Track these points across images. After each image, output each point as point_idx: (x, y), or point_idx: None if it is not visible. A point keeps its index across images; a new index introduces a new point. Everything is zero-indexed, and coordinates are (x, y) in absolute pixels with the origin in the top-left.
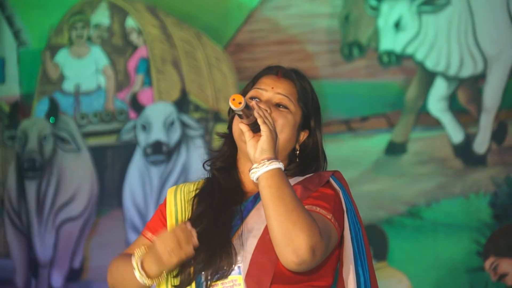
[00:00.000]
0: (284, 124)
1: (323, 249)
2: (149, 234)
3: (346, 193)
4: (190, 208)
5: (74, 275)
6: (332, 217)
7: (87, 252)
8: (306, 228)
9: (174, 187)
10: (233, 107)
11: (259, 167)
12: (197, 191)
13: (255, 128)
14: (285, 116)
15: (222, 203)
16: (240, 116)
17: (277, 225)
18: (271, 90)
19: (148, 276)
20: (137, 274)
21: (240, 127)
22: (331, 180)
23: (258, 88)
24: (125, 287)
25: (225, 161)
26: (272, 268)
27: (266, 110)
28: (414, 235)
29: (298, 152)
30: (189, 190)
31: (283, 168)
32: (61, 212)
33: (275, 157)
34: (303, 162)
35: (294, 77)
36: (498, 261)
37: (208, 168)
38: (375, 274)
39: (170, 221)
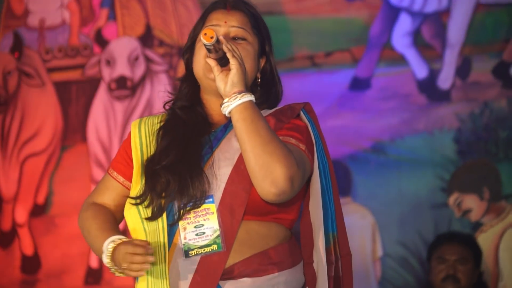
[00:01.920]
0: (245, 56)
1: (300, 179)
2: (114, 173)
3: (315, 126)
4: (155, 140)
5: (38, 210)
6: (305, 148)
7: (52, 187)
8: (283, 158)
9: (138, 120)
10: (205, 41)
11: (231, 100)
12: (162, 123)
13: (222, 63)
14: (244, 48)
15: (189, 134)
16: (209, 50)
17: (253, 157)
18: (225, 25)
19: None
20: (105, 261)
21: (208, 62)
22: (301, 113)
23: (210, 25)
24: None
25: (188, 100)
26: (246, 197)
27: (234, 45)
28: (378, 170)
29: (259, 80)
30: (153, 122)
31: (254, 101)
32: (25, 147)
33: (246, 90)
34: (265, 88)
35: (243, 6)
36: (462, 197)
37: (168, 108)
38: (341, 208)
39: (136, 154)
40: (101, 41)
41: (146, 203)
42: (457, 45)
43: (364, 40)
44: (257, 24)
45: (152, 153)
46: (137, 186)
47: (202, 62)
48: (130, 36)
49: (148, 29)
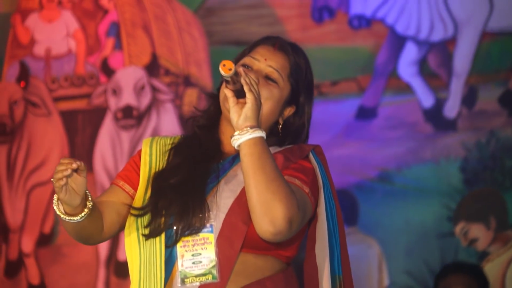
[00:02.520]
0: (268, 97)
1: (299, 221)
2: (121, 182)
3: (323, 168)
4: (166, 159)
5: (44, 239)
6: (309, 191)
7: (58, 217)
8: (285, 199)
9: (150, 138)
10: (223, 73)
11: (242, 134)
12: (174, 144)
13: (239, 94)
14: (270, 89)
15: (199, 158)
16: (227, 81)
17: (256, 193)
18: (264, 62)
19: (65, 212)
20: (56, 209)
21: (225, 92)
22: (310, 154)
23: (252, 57)
24: (78, 235)
25: (209, 119)
26: (244, 230)
27: (253, 79)
28: (385, 200)
29: (280, 126)
30: (165, 143)
31: (265, 137)
32: (31, 177)
33: (258, 125)
34: (285, 137)
35: (290, 51)
36: (468, 226)
37: (190, 125)
38: (347, 251)
39: (144, 170)
40: (107, 70)
41: (145, 221)
42: (463, 74)
43: (370, 69)
44: (297, 74)
45: (160, 170)
46: (139, 202)
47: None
48: (136, 65)
49: (154, 58)
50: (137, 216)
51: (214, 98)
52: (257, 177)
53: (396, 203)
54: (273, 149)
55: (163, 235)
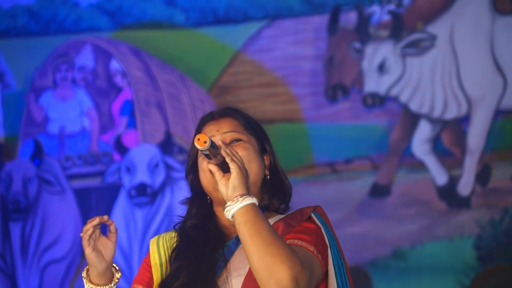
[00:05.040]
0: (248, 155)
1: (306, 280)
2: (139, 287)
3: (328, 228)
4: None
5: None
6: (314, 249)
7: None
8: (286, 259)
9: (156, 237)
10: (198, 147)
11: (233, 204)
12: (178, 237)
13: (224, 168)
14: (244, 147)
15: (200, 254)
16: (207, 156)
17: (257, 259)
18: (218, 133)
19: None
20: (84, 279)
21: (210, 168)
22: (312, 215)
23: None
24: None
25: (199, 218)
26: None
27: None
28: (399, 277)
29: (268, 177)
30: (171, 236)
31: (257, 203)
32: (45, 254)
33: (248, 192)
34: (273, 184)
35: (230, 112)
36: None
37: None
38: None
39: (155, 269)
40: (121, 148)
41: None
42: (477, 151)
43: (384, 147)
44: (250, 125)
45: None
46: None
47: (209, 176)
48: (150, 143)
49: (168, 136)
50: None
51: (190, 201)
52: (255, 243)
53: (410, 280)
54: (275, 218)
55: None
